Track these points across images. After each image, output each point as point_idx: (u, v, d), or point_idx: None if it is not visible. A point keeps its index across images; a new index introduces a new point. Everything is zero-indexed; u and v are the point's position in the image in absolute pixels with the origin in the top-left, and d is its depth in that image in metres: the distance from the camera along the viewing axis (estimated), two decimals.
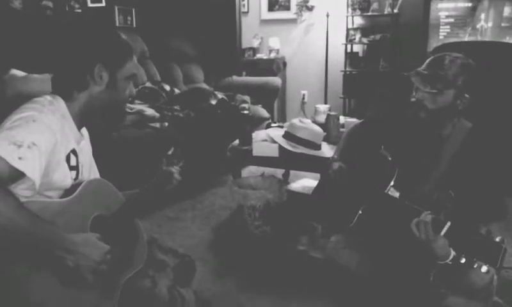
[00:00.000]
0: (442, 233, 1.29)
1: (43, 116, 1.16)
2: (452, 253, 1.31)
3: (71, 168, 1.26)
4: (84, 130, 1.38)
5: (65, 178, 1.23)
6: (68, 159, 1.24)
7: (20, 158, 1.06)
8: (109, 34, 1.32)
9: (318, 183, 1.88)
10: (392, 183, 1.51)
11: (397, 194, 1.50)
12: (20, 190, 1.12)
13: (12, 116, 1.15)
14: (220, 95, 3.70)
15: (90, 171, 1.39)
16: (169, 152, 1.46)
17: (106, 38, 1.30)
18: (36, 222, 1.06)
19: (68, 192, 1.23)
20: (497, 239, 1.19)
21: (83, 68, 1.25)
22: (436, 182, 1.58)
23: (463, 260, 1.21)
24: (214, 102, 3.56)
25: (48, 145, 1.14)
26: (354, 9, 4.66)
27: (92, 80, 1.26)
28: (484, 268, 1.18)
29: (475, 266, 1.19)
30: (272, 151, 2.59)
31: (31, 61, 2.76)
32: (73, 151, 1.27)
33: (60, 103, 1.25)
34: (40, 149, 1.11)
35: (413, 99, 1.57)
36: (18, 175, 1.08)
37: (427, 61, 1.59)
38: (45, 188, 1.17)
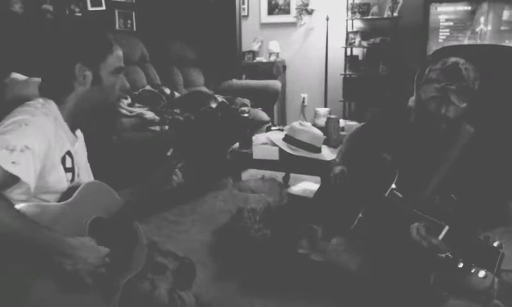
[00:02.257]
0: (440, 237, 1.29)
1: (35, 119, 1.16)
2: None
3: (66, 170, 1.25)
4: (78, 132, 1.38)
5: (61, 180, 1.23)
6: (63, 161, 1.24)
7: (13, 162, 1.06)
8: (83, 32, 1.30)
9: (319, 187, 1.89)
10: (393, 185, 1.51)
11: (399, 195, 1.50)
12: (16, 194, 1.12)
13: (4, 120, 1.15)
14: (220, 98, 3.71)
15: (86, 172, 1.39)
16: (168, 153, 1.46)
17: (80, 36, 1.28)
18: (32, 228, 1.05)
19: (65, 195, 1.23)
20: (495, 244, 1.19)
21: (63, 70, 1.25)
22: (437, 186, 1.58)
23: (461, 265, 1.20)
24: (214, 105, 3.57)
25: (41, 148, 1.14)
26: (354, 13, 4.67)
27: (76, 81, 1.25)
28: (481, 273, 1.17)
29: (472, 271, 1.18)
30: (273, 154, 2.60)
31: (31, 65, 2.76)
32: (69, 153, 1.27)
33: (52, 105, 1.25)
34: (33, 152, 1.10)
35: (433, 110, 1.54)
36: (12, 180, 1.08)
37: (439, 71, 1.55)
38: (41, 191, 1.17)
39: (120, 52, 1.31)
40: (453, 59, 1.55)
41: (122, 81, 1.34)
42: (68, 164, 1.27)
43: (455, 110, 1.53)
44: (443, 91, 1.52)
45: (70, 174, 1.27)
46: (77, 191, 1.23)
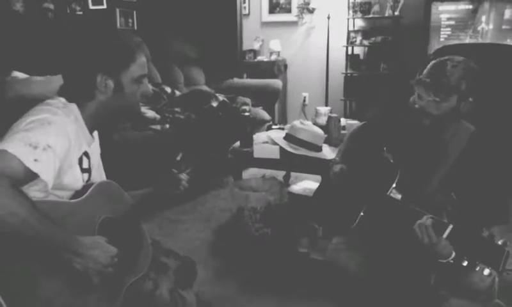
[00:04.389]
0: (444, 235, 1.29)
1: (57, 119, 1.17)
2: (454, 253, 1.31)
3: (83, 170, 1.27)
4: (95, 132, 1.38)
5: (76, 180, 1.24)
6: (80, 162, 1.25)
7: (35, 160, 1.07)
8: (105, 41, 1.27)
9: (319, 185, 1.88)
10: (393, 185, 1.51)
11: (398, 196, 1.50)
12: (32, 191, 1.13)
13: (26, 117, 1.15)
14: (221, 97, 3.71)
15: (98, 171, 1.40)
16: (178, 158, 1.46)
17: (102, 46, 1.26)
18: (47, 225, 1.06)
19: (78, 193, 1.24)
20: (500, 242, 1.19)
21: (84, 81, 1.24)
22: (438, 184, 1.57)
23: (465, 263, 1.20)
24: (215, 104, 3.56)
25: (62, 148, 1.15)
26: (355, 12, 4.67)
27: (97, 90, 1.25)
28: (486, 271, 1.17)
29: (477, 268, 1.18)
30: (273, 153, 2.59)
31: (32, 63, 2.77)
32: (86, 154, 1.28)
33: (73, 106, 1.25)
34: (54, 151, 1.11)
35: (416, 106, 1.56)
36: (32, 176, 1.09)
37: (429, 67, 1.57)
38: (55, 188, 1.17)
39: (143, 59, 1.29)
40: (448, 57, 1.55)
41: (145, 87, 1.32)
42: (85, 165, 1.28)
43: (435, 106, 1.52)
44: (416, 84, 1.54)
45: (86, 175, 1.29)
46: (90, 190, 1.24)
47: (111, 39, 1.28)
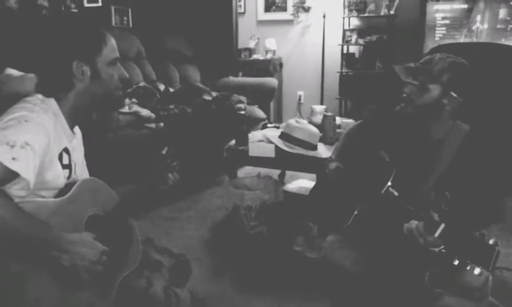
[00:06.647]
0: (436, 234, 1.29)
1: (35, 116, 1.16)
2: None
3: (63, 166, 1.25)
4: (76, 129, 1.37)
5: (58, 177, 1.23)
6: (60, 158, 1.24)
7: (13, 158, 1.06)
8: (75, 28, 1.28)
9: (315, 184, 1.89)
10: (389, 183, 1.51)
11: (394, 194, 1.50)
12: (15, 190, 1.12)
13: (4, 116, 1.14)
14: (214, 94, 3.71)
15: (82, 169, 1.39)
16: (163, 151, 1.45)
17: (73, 33, 1.27)
18: (30, 222, 1.06)
19: (62, 191, 1.23)
20: (490, 242, 1.19)
21: (60, 69, 1.24)
22: (434, 184, 1.58)
23: (456, 262, 1.21)
24: (208, 97, 3.56)
25: (41, 144, 1.13)
26: (350, 10, 4.67)
27: (75, 79, 1.25)
28: (477, 271, 1.18)
29: (468, 268, 1.19)
30: (269, 151, 2.59)
31: (26, 61, 2.75)
32: (66, 150, 1.27)
33: (51, 101, 1.24)
34: (33, 148, 1.10)
35: (404, 94, 1.59)
36: (12, 176, 1.08)
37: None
38: (38, 187, 1.16)
39: (113, 42, 1.30)
40: (445, 53, 1.57)
41: (121, 70, 1.33)
42: (65, 161, 1.27)
43: (418, 93, 1.54)
44: (398, 67, 1.59)
45: (67, 171, 1.27)
46: (74, 187, 1.23)
47: (81, 25, 1.30)
